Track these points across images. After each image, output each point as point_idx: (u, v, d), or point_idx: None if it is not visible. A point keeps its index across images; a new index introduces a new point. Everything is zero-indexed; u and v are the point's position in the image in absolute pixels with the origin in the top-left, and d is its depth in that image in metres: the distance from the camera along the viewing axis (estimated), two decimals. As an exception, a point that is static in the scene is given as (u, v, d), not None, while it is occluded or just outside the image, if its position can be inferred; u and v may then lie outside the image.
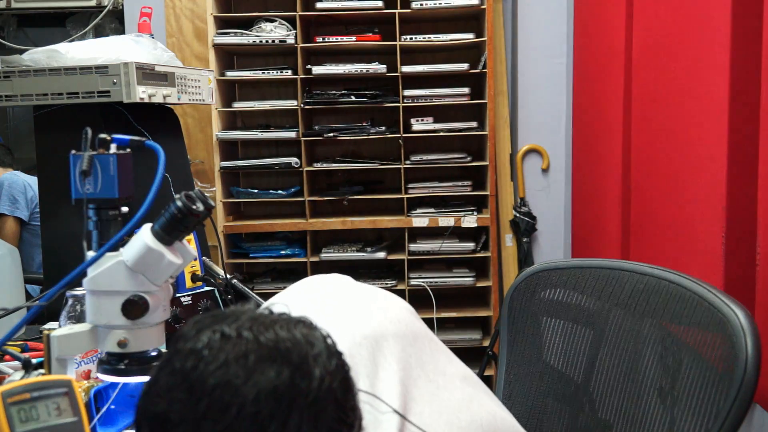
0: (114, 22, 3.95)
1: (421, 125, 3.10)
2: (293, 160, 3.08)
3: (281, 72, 3.11)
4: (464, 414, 1.05)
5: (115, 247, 1.12)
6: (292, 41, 3.03)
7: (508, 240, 3.36)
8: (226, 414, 0.74)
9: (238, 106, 3.20)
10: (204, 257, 2.04)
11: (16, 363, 1.47)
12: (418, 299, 3.09)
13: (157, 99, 1.98)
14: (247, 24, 3.12)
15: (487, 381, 2.88)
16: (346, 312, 1.12)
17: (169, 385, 0.77)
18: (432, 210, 3.10)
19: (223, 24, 3.14)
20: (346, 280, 1.22)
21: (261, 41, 3.04)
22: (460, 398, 1.07)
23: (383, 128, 3.11)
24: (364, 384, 1.01)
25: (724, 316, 1.17)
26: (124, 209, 1.19)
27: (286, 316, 0.83)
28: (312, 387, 0.76)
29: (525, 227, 3.34)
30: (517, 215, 3.34)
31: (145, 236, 1.10)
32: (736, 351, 1.14)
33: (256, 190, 3.21)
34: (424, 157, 3.12)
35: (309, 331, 0.81)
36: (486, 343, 3.04)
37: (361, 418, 0.84)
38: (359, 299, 1.16)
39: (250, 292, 2.11)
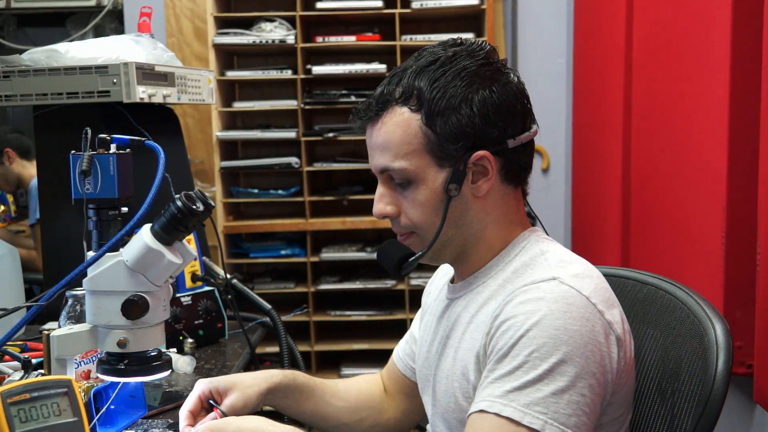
0: (114, 22, 3.94)
1: (421, 125, 3.09)
2: (293, 160, 3.08)
3: (281, 72, 3.11)
4: None
5: (115, 247, 1.12)
6: (292, 41, 3.03)
7: (509, 240, 3.35)
8: None
9: (238, 106, 3.20)
10: (204, 257, 2.04)
11: (16, 363, 1.47)
12: (418, 299, 3.08)
13: (157, 99, 1.97)
14: (247, 24, 3.12)
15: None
16: None
17: None
18: (432, 210, 3.09)
19: (223, 24, 3.14)
20: None
21: (261, 41, 3.04)
22: None
23: (383, 128, 3.10)
24: None
25: (704, 329, 1.14)
26: (124, 209, 1.19)
27: None
28: None
29: (525, 227, 3.33)
30: (518, 215, 3.33)
31: (145, 236, 1.10)
32: (707, 365, 1.11)
33: (256, 190, 3.21)
34: (424, 157, 3.11)
35: None
36: (486, 343, 3.03)
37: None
38: None
39: (250, 292, 2.11)
